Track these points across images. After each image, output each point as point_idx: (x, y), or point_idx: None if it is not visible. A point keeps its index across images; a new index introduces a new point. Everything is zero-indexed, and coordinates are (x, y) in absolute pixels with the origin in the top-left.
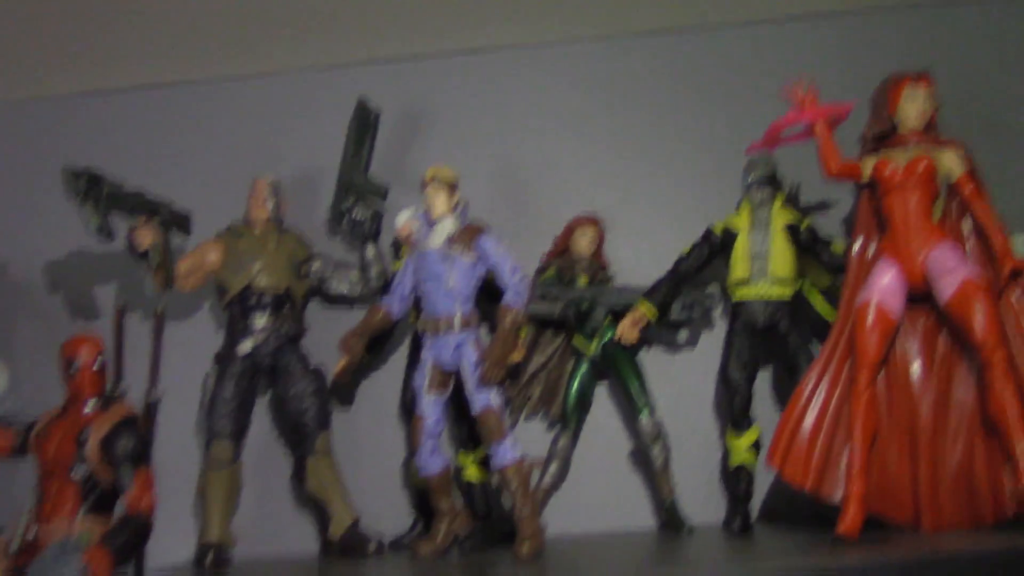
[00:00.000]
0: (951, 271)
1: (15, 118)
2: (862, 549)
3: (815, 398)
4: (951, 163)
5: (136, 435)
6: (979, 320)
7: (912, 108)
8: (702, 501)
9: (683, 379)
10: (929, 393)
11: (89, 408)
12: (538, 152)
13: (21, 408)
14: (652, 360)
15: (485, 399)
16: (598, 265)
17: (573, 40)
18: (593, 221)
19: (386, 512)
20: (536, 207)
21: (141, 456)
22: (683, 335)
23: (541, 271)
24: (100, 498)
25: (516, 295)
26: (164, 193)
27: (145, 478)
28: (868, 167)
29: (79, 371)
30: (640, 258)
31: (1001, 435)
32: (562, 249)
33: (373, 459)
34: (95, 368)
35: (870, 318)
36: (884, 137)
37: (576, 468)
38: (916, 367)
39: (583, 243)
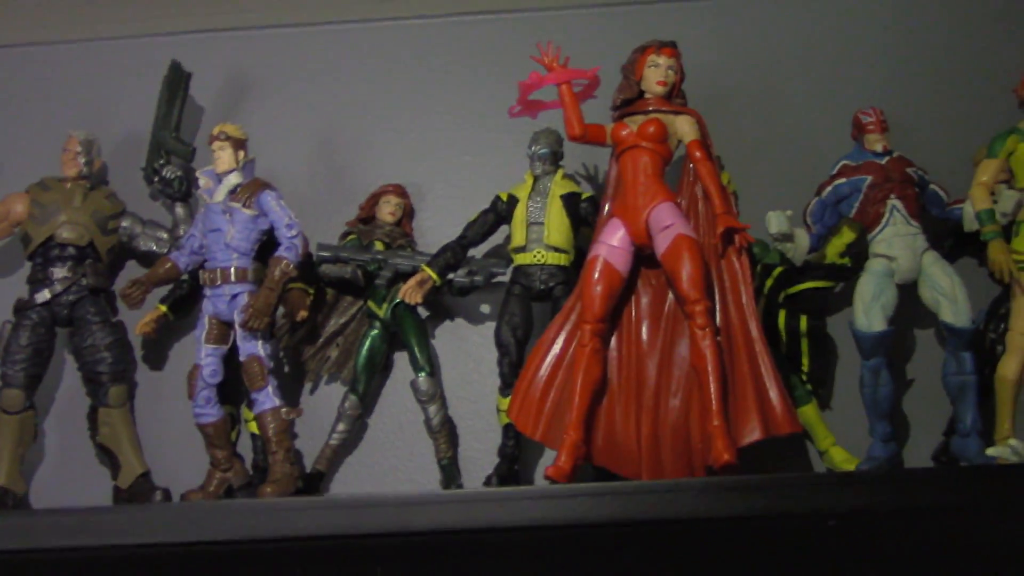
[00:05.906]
0: (668, 227)
1: None
2: None
3: (551, 351)
4: (684, 128)
5: None
6: (685, 273)
7: (654, 75)
8: (486, 464)
9: (473, 346)
10: (655, 351)
11: None
12: (354, 126)
13: None
14: (444, 327)
15: (252, 348)
16: (400, 233)
17: (388, 19)
18: (397, 190)
19: (183, 466)
20: (350, 178)
21: None
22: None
23: (344, 236)
24: None
25: (288, 248)
26: None
27: None
28: (610, 130)
29: None
30: (446, 229)
31: (701, 385)
32: (366, 217)
33: (176, 416)
34: None
35: (595, 274)
36: (632, 103)
37: (372, 432)
38: (645, 326)
39: (385, 211)
